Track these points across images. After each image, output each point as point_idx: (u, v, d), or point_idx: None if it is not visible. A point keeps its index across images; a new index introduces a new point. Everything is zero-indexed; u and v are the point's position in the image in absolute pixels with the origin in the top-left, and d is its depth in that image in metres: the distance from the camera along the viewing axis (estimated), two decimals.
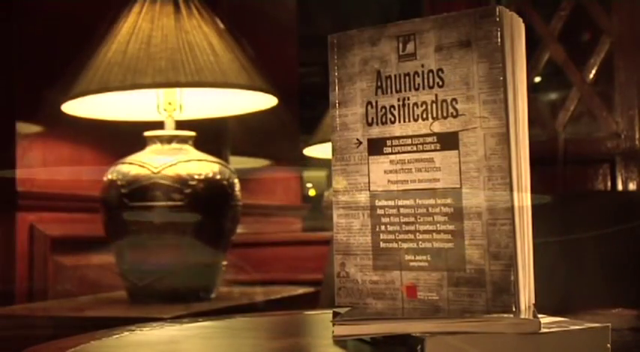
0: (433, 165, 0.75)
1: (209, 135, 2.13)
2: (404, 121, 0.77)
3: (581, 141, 2.28)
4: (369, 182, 0.79)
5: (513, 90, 0.74)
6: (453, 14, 0.75)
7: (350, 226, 0.80)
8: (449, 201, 0.74)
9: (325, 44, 0.82)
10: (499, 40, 0.72)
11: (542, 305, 0.77)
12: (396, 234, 0.77)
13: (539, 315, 0.70)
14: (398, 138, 0.77)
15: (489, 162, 0.72)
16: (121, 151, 1.85)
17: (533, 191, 0.77)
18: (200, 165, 1.74)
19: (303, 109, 3.74)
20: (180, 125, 1.83)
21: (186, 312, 1.52)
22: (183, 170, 1.71)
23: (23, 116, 2.10)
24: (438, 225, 0.74)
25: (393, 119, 0.78)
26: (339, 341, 0.77)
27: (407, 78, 0.77)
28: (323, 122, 2.96)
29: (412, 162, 0.76)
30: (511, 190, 0.71)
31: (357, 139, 0.80)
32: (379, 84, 0.79)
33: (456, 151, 0.74)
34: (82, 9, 2.31)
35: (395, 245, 0.77)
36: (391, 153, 0.77)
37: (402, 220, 0.77)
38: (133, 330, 0.96)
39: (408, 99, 0.77)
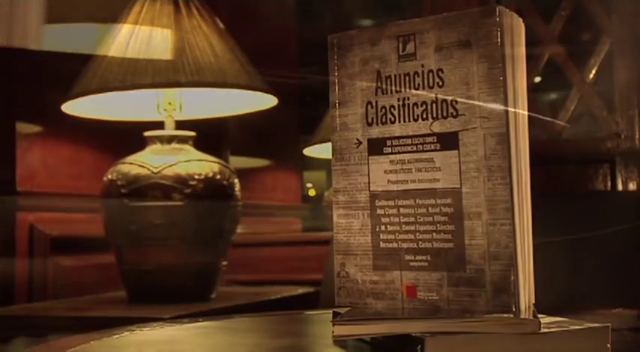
0: (433, 165, 0.75)
1: (209, 135, 2.13)
2: (404, 121, 0.77)
3: (581, 141, 2.28)
4: (369, 182, 0.79)
5: (513, 90, 0.74)
6: (453, 14, 0.75)
7: (350, 226, 0.80)
8: (449, 201, 0.74)
9: (325, 44, 0.82)
10: (499, 40, 0.72)
11: (542, 305, 0.77)
12: (396, 234, 0.77)
13: (539, 315, 0.70)
14: (398, 138, 0.77)
15: (489, 162, 0.72)
16: (121, 151, 1.85)
17: (533, 191, 0.77)
18: (200, 165, 1.74)
19: (303, 109, 3.74)
20: (180, 125, 1.83)
21: (186, 312, 1.51)
22: (183, 170, 1.71)
23: (23, 116, 2.10)
24: (438, 225, 0.74)
25: (393, 119, 0.78)
26: (339, 341, 0.77)
27: (407, 78, 0.77)
28: (323, 122, 2.96)
29: (412, 162, 0.76)
30: (511, 190, 0.71)
31: (357, 139, 0.80)
32: (379, 84, 0.79)
33: (456, 151, 0.74)
34: None
35: (395, 245, 0.77)
36: (391, 153, 0.77)
37: (402, 220, 0.76)
38: (133, 330, 0.96)
39: (408, 99, 0.77)
